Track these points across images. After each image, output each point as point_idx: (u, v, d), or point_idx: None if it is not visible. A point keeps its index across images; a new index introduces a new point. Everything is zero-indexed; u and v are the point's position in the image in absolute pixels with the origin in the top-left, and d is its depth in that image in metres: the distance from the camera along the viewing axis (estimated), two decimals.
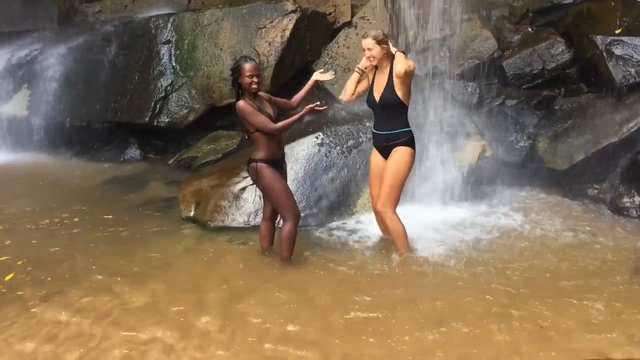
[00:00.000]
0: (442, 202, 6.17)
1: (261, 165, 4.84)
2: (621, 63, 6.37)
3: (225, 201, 6.01)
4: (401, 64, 4.74)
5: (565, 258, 5.03)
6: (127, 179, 7.58)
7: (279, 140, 4.88)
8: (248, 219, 5.89)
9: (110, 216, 6.22)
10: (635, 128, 6.00)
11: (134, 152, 8.43)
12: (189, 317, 4.09)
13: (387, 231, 5.23)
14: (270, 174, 4.88)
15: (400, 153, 4.92)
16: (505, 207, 6.24)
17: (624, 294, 4.35)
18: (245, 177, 6.12)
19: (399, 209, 5.05)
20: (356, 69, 5.10)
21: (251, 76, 4.70)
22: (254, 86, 4.72)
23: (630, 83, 6.30)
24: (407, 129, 4.96)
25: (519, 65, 7.23)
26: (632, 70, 6.30)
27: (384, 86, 4.93)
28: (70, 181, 7.52)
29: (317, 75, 5.12)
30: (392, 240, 5.08)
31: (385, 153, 5.02)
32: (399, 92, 4.85)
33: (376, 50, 4.86)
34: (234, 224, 5.86)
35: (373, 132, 5.12)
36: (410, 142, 4.96)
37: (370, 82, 5.07)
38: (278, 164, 4.92)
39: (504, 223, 5.85)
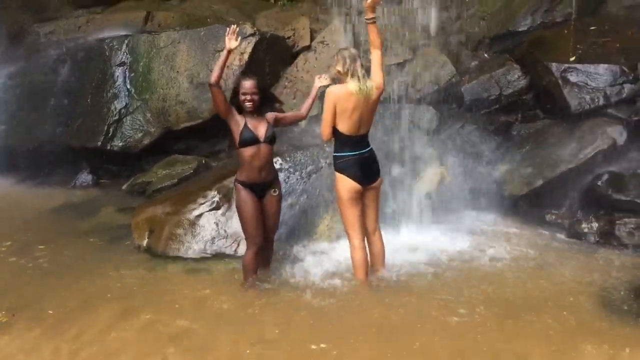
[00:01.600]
0: (400, 228, 6.09)
1: (238, 185, 4.87)
2: (576, 90, 6.46)
3: (181, 229, 5.81)
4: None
5: (521, 286, 4.99)
6: (78, 205, 7.28)
7: (261, 166, 4.81)
8: (205, 247, 5.70)
9: (59, 245, 5.96)
10: (592, 154, 6.06)
11: (85, 177, 8.13)
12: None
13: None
14: (243, 197, 4.85)
15: (335, 179, 4.90)
16: (464, 233, 6.18)
17: (587, 328, 4.31)
18: (202, 204, 5.96)
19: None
20: (365, 20, 4.88)
21: (245, 94, 4.75)
22: (248, 104, 4.75)
23: (585, 109, 6.38)
24: (340, 153, 4.84)
25: (476, 91, 7.29)
26: (587, 97, 6.40)
27: None
28: (16, 208, 7.20)
29: (318, 82, 5.24)
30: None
31: None
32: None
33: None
34: (190, 254, 5.66)
35: None
36: (341, 169, 4.82)
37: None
38: (258, 187, 4.85)
39: (462, 249, 5.80)
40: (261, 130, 4.80)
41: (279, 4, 10.43)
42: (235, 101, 4.97)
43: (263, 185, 4.90)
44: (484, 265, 5.47)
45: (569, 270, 5.32)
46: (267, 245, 5.12)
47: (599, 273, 5.23)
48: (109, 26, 9.42)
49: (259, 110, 4.91)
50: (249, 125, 4.77)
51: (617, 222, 5.77)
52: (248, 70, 7.68)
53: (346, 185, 4.80)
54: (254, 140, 4.76)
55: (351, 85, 4.69)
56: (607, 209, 5.91)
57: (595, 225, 5.90)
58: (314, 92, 5.25)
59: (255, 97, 4.79)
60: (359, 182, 4.81)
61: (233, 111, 4.85)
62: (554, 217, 6.19)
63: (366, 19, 4.83)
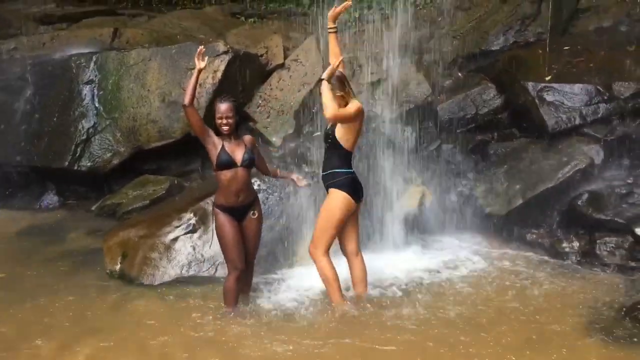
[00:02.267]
0: (379, 249, 6.00)
1: (216, 210, 4.78)
2: (552, 109, 6.48)
3: (155, 253, 5.62)
4: (326, 107, 4.54)
5: (501, 308, 4.92)
6: (44, 228, 6.99)
7: (239, 189, 4.70)
8: (181, 271, 5.52)
9: (25, 272, 5.69)
10: (570, 173, 6.07)
11: (51, 198, 7.84)
12: None
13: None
14: (222, 221, 4.76)
15: (330, 194, 4.81)
16: (444, 253, 6.15)
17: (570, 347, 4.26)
18: (178, 226, 5.77)
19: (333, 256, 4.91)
20: (328, 29, 4.98)
21: (220, 117, 4.68)
22: (224, 128, 4.68)
23: (562, 129, 6.40)
24: (342, 169, 4.79)
25: (452, 110, 7.26)
26: (564, 117, 6.42)
27: (329, 124, 4.87)
28: None
29: (297, 181, 5.15)
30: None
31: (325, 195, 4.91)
32: (338, 134, 4.75)
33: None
34: (165, 278, 5.45)
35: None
36: (341, 185, 4.76)
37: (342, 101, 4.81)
38: (237, 211, 4.74)
39: (441, 269, 5.75)
40: (239, 153, 4.71)
41: (249, 22, 10.35)
42: (210, 122, 4.87)
43: (242, 209, 4.79)
44: (460, 285, 5.40)
45: (550, 290, 5.29)
46: (247, 269, 4.98)
47: (582, 293, 5.20)
48: (75, 43, 9.14)
49: (236, 133, 4.83)
50: (227, 148, 4.69)
51: (598, 241, 5.77)
52: (221, 88, 7.54)
53: (345, 203, 4.75)
54: (231, 164, 4.67)
55: (358, 102, 4.75)
56: (587, 228, 5.91)
57: (576, 244, 5.89)
58: (288, 175, 5.26)
59: (231, 121, 4.72)
60: (355, 200, 4.80)
61: (209, 132, 4.76)
62: (534, 236, 6.17)
63: (328, 29, 4.95)
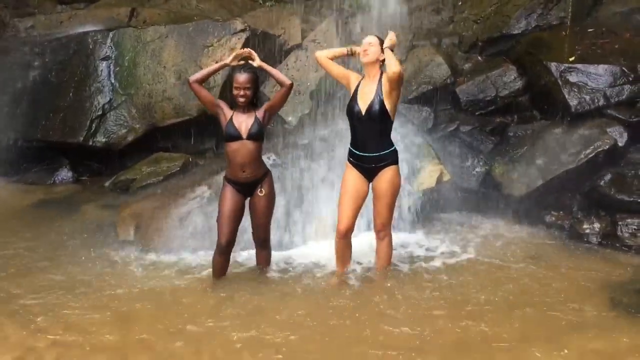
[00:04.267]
0: (396, 227, 5.88)
1: (224, 181, 4.71)
2: (576, 90, 6.35)
3: (169, 224, 5.56)
4: (395, 63, 4.42)
5: (524, 289, 4.77)
6: (58, 201, 6.95)
7: (244, 162, 4.59)
8: (194, 243, 5.42)
9: (39, 242, 5.64)
10: (593, 154, 5.93)
11: (65, 173, 7.78)
12: None
13: (345, 263, 4.92)
14: (223, 193, 4.71)
15: (392, 172, 4.68)
16: (461, 234, 6.03)
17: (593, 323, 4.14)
18: (192, 199, 5.71)
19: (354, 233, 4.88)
20: (347, 50, 4.86)
21: (238, 88, 4.57)
22: (240, 99, 4.56)
23: (585, 110, 6.27)
24: (394, 147, 4.72)
25: (472, 92, 7.15)
26: (587, 97, 6.29)
27: (372, 96, 4.57)
28: None
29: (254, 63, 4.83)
30: (380, 258, 4.89)
31: (370, 174, 4.71)
32: (388, 104, 4.55)
33: (375, 49, 4.59)
34: (177, 250, 5.38)
35: (354, 152, 4.73)
36: (397, 161, 4.75)
37: (351, 87, 4.76)
38: (244, 185, 4.65)
39: (458, 250, 5.61)
40: (246, 126, 4.59)
41: (267, 5, 10.27)
42: (226, 98, 4.80)
43: (249, 184, 4.68)
44: (482, 264, 5.28)
45: (571, 270, 5.16)
46: (259, 247, 4.93)
47: (603, 273, 5.08)
48: (92, 22, 9.10)
49: (253, 105, 4.70)
50: (234, 121, 4.60)
51: (620, 222, 5.65)
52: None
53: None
54: (236, 136, 4.58)
55: None
56: (609, 209, 5.78)
57: (597, 226, 5.76)
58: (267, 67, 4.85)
59: (248, 92, 4.60)
60: None
61: (220, 104, 4.72)
62: (554, 218, 6.04)
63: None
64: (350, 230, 4.78)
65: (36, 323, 4.05)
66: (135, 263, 5.20)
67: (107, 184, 7.42)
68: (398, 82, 4.50)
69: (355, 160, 4.72)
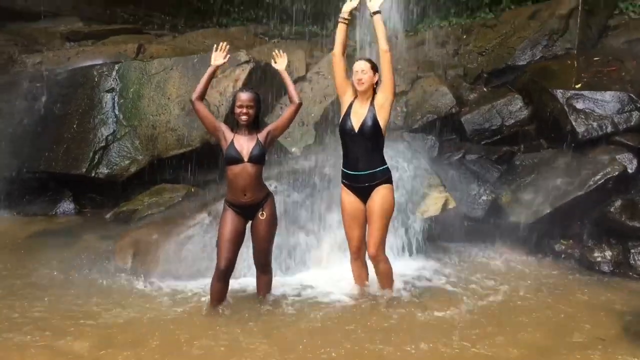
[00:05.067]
0: (398, 254, 5.74)
1: (225, 205, 4.60)
2: (583, 117, 6.27)
3: (167, 252, 5.42)
4: (384, 40, 4.51)
5: (538, 322, 4.52)
6: (58, 232, 6.84)
7: (245, 185, 4.49)
8: (192, 271, 5.28)
9: (40, 271, 5.54)
10: (602, 181, 5.78)
11: (67, 205, 7.70)
12: None
13: (363, 281, 4.85)
14: (224, 217, 4.60)
15: (385, 192, 4.60)
16: (468, 263, 5.87)
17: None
18: (192, 226, 5.59)
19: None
20: (340, 20, 4.76)
21: (241, 106, 4.50)
22: (243, 117, 4.49)
23: (593, 136, 6.17)
24: (386, 165, 4.66)
25: (477, 121, 7.10)
26: (594, 124, 6.19)
27: (365, 112, 4.59)
28: None
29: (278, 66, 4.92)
30: (381, 281, 4.78)
31: (364, 194, 4.64)
32: (381, 119, 4.55)
33: (368, 76, 4.59)
34: (175, 278, 5.24)
35: (347, 172, 4.69)
36: (391, 180, 4.67)
37: (345, 103, 4.76)
38: (245, 209, 4.54)
39: (466, 279, 5.41)
40: (247, 148, 4.50)
41: (273, 42, 10.35)
42: (231, 118, 4.73)
43: (251, 207, 4.56)
44: (490, 295, 5.07)
45: (583, 299, 4.98)
46: (259, 272, 4.78)
47: (616, 302, 4.89)
48: (100, 57, 9.21)
49: (255, 126, 4.62)
50: (235, 143, 4.51)
51: (632, 250, 5.49)
52: None
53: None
54: (237, 159, 4.49)
55: None
56: (620, 237, 5.63)
57: (608, 254, 5.60)
58: (284, 77, 4.86)
59: (251, 111, 4.54)
60: None
61: (221, 127, 4.64)
62: (563, 246, 5.88)
63: (341, 19, 4.76)
64: (361, 249, 4.76)
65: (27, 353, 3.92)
66: (132, 291, 5.07)
67: (108, 215, 7.32)
68: (389, 68, 4.54)
69: (348, 181, 4.70)
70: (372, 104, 4.61)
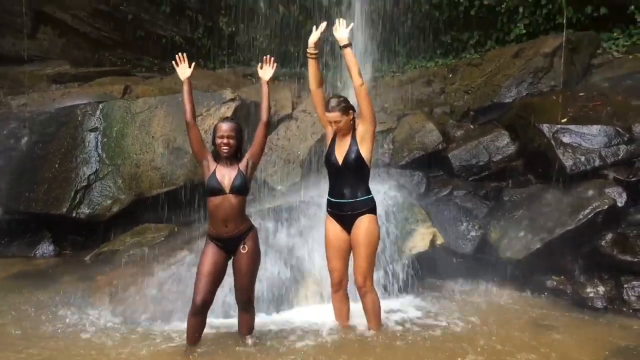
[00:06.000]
0: (385, 290, 5.56)
1: (206, 238, 4.48)
2: (570, 150, 6.19)
3: (144, 292, 5.23)
4: (356, 76, 4.49)
5: (527, 353, 4.37)
6: (35, 274, 6.63)
7: (226, 217, 4.37)
8: (169, 310, 5.08)
9: (10, 313, 5.34)
10: (592, 215, 5.65)
11: (47, 247, 7.50)
12: None
13: (344, 316, 4.73)
14: (204, 250, 4.46)
15: (368, 221, 4.56)
16: (458, 301, 5.69)
17: None
18: (172, 264, 5.41)
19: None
20: (308, 55, 4.77)
21: (221, 137, 4.41)
22: (223, 148, 4.39)
23: (581, 170, 6.08)
24: (371, 195, 4.63)
25: (464, 157, 7.03)
26: (582, 158, 6.12)
27: (347, 145, 4.61)
28: None
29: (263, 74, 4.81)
30: (368, 315, 4.66)
31: (348, 222, 4.60)
32: (363, 152, 4.55)
33: (343, 121, 4.60)
34: (153, 318, 5.03)
35: (332, 200, 4.69)
36: (374, 210, 4.62)
37: (329, 135, 4.77)
38: (226, 242, 4.40)
39: (456, 318, 5.20)
40: (229, 179, 4.39)
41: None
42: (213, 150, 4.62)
43: (231, 240, 4.42)
44: (481, 333, 4.88)
45: (577, 336, 4.79)
46: (241, 310, 4.60)
47: (610, 339, 4.70)
48: (85, 98, 9.09)
49: (236, 157, 4.52)
50: (217, 174, 4.41)
51: (625, 285, 5.33)
52: None
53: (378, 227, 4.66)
54: (218, 190, 4.38)
55: None
56: (612, 271, 5.47)
57: (601, 289, 5.44)
58: (264, 90, 4.73)
59: (232, 142, 4.45)
60: None
61: (208, 156, 4.54)
62: (555, 282, 5.71)
63: (309, 55, 4.78)
64: (342, 282, 4.69)
65: None
66: (107, 332, 4.85)
67: (88, 257, 7.12)
68: (365, 101, 4.50)
69: (332, 209, 4.70)
70: (353, 136, 4.65)
